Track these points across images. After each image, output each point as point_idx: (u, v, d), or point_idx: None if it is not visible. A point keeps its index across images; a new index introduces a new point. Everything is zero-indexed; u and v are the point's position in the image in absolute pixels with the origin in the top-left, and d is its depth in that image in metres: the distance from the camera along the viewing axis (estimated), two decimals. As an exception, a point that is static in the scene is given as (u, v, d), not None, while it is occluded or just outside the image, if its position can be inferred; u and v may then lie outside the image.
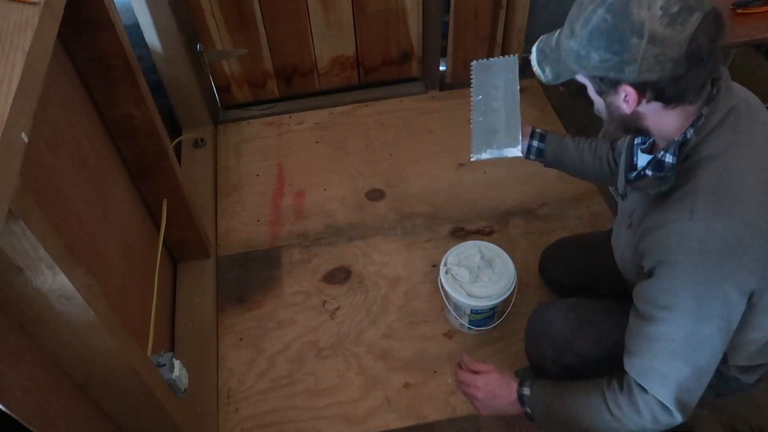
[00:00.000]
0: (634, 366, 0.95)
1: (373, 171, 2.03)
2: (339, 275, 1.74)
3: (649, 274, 0.92)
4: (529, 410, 1.09)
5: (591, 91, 0.93)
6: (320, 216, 1.90)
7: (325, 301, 1.68)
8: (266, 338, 1.61)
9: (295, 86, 2.27)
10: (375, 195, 1.96)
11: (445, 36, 2.21)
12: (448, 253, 1.51)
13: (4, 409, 0.73)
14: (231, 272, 1.76)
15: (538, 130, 1.35)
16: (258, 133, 2.20)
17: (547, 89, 2.29)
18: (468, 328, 1.54)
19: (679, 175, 0.90)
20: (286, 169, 2.06)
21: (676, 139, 0.90)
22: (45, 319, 0.78)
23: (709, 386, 1.10)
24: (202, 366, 1.51)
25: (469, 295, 1.42)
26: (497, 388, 1.12)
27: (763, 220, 0.84)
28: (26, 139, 0.60)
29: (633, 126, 0.93)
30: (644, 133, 0.95)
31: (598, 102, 0.94)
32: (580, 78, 0.92)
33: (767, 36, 1.40)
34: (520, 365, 1.50)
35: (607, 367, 1.14)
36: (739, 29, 1.40)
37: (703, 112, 0.88)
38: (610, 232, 1.19)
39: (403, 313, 1.64)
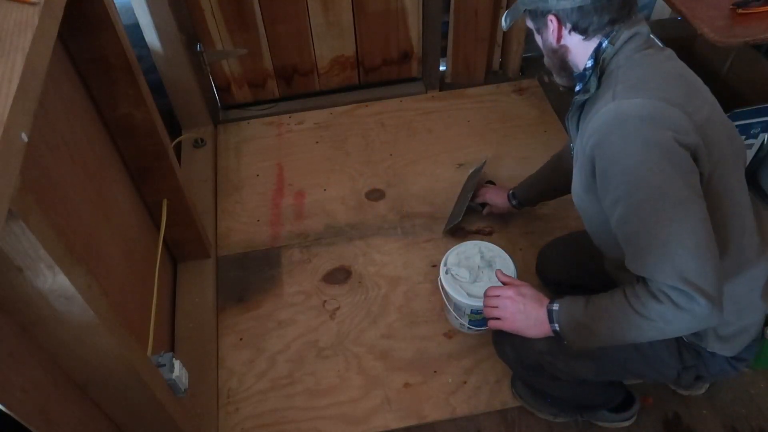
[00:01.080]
0: (630, 262, 0.94)
1: (373, 171, 2.03)
2: (339, 275, 1.74)
3: (593, 169, 0.97)
4: (557, 326, 1.06)
5: (536, 37, 1.11)
6: (320, 216, 1.90)
7: (325, 301, 1.68)
8: (266, 338, 1.61)
9: (295, 86, 2.27)
10: (375, 195, 1.96)
11: (445, 36, 2.21)
12: (448, 253, 1.51)
13: (4, 409, 0.73)
14: (231, 272, 1.76)
15: (510, 191, 1.67)
16: (258, 133, 2.20)
17: (547, 89, 2.29)
18: (468, 328, 1.54)
19: (602, 84, 1.01)
20: (286, 169, 2.06)
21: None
22: (45, 319, 0.78)
23: (686, 367, 1.11)
24: (202, 366, 1.51)
25: (469, 295, 1.42)
26: (530, 300, 1.11)
27: (680, 104, 0.91)
28: (26, 139, 0.60)
29: (562, 60, 1.08)
30: (571, 74, 1.09)
31: (540, 43, 1.11)
32: (528, 22, 1.10)
33: (767, 36, 1.39)
34: (520, 365, 1.51)
35: (569, 359, 1.15)
36: (739, 29, 1.39)
37: (615, 28, 1.00)
38: None
39: (403, 313, 1.64)
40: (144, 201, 1.50)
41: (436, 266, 1.72)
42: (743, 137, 1.58)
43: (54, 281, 0.72)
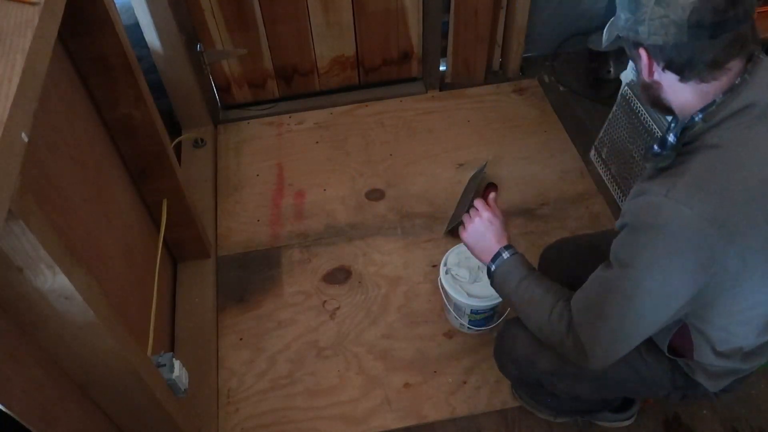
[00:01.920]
0: (576, 297, 0.99)
1: (373, 171, 2.03)
2: (339, 275, 1.74)
3: (620, 230, 0.94)
4: (493, 267, 1.13)
5: (632, 63, 1.02)
6: (320, 216, 1.90)
7: (325, 301, 1.68)
8: (266, 338, 1.61)
9: (295, 86, 2.27)
10: (375, 195, 1.96)
11: (445, 36, 2.21)
12: (448, 253, 1.51)
13: (4, 409, 0.73)
14: (231, 272, 1.76)
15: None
16: (258, 133, 2.20)
17: (547, 89, 2.29)
18: (468, 328, 1.55)
19: (679, 156, 0.90)
20: (286, 169, 2.06)
21: (685, 120, 0.90)
22: (45, 319, 0.78)
23: (676, 388, 1.13)
24: (202, 366, 1.51)
25: (469, 295, 1.42)
26: (493, 231, 1.15)
27: (735, 225, 0.82)
28: (26, 139, 0.60)
29: (654, 96, 0.95)
30: (667, 108, 0.96)
31: (636, 71, 0.98)
32: (626, 46, 0.95)
33: (767, 36, 1.39)
34: (520, 365, 1.51)
35: (572, 381, 1.17)
36: (739, 29, 1.39)
37: (716, 99, 0.86)
38: (608, 231, 1.20)
39: (403, 313, 1.64)
40: (144, 201, 1.50)
41: (436, 266, 1.72)
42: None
43: (54, 281, 0.72)
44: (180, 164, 1.61)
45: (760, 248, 0.86)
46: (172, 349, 1.54)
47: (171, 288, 1.66)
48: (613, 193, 1.90)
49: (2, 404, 0.72)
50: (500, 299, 1.42)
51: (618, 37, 0.93)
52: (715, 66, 0.84)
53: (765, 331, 1.00)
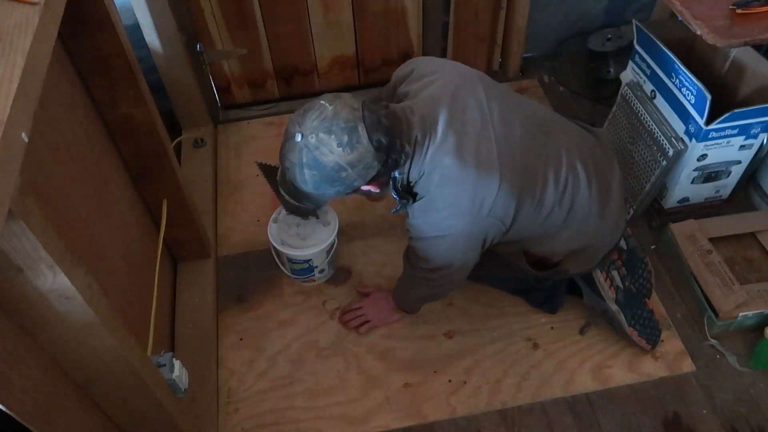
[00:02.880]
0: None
1: (373, 171, 2.03)
2: (339, 275, 1.74)
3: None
4: (400, 307, 1.57)
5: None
6: (320, 216, 1.90)
7: (325, 301, 1.68)
8: (266, 338, 1.61)
9: (295, 86, 2.27)
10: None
11: (445, 36, 2.21)
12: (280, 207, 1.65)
13: (4, 409, 0.73)
14: (231, 272, 1.76)
15: None
16: (258, 133, 2.19)
17: (547, 89, 2.29)
18: (294, 278, 1.69)
19: (412, 195, 1.27)
20: (286, 169, 2.05)
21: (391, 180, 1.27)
22: (45, 319, 0.78)
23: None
24: (202, 366, 1.51)
25: (285, 244, 1.58)
26: (380, 301, 1.60)
27: (451, 219, 1.23)
28: (26, 139, 0.60)
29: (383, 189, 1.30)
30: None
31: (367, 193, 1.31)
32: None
33: (767, 36, 1.39)
34: (521, 364, 1.51)
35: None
36: (739, 29, 1.39)
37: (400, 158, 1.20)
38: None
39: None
40: (144, 201, 1.50)
41: (436, 266, 1.72)
42: (742, 137, 1.58)
43: (54, 281, 0.72)
44: (180, 164, 1.61)
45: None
46: (172, 349, 1.54)
47: (171, 288, 1.66)
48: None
49: (2, 404, 0.72)
50: (313, 251, 1.58)
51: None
52: (404, 148, 1.20)
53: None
